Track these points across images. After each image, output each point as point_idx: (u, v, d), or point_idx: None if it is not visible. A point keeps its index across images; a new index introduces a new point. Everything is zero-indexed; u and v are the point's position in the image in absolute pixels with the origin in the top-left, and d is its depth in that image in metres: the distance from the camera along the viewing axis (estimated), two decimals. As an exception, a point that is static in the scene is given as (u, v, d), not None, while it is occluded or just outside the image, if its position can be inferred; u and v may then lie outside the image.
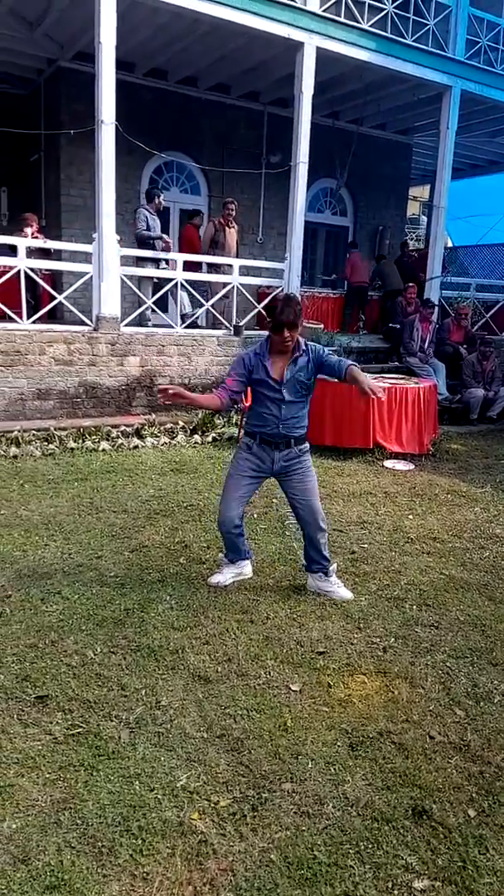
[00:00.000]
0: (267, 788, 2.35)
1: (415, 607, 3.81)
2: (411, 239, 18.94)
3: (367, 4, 9.46)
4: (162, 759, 2.47)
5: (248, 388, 3.71)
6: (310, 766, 2.48)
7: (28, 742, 2.53)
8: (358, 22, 9.37)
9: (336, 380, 3.82)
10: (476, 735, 2.71)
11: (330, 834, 2.18)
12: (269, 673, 3.05)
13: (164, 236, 9.18)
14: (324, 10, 9.03)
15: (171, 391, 3.49)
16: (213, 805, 2.27)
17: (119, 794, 2.29)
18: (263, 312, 9.48)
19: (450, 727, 2.75)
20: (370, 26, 9.47)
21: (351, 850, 2.12)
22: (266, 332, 3.75)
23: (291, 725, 2.69)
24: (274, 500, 5.38)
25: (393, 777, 2.45)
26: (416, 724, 2.75)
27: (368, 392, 3.52)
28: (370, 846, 2.14)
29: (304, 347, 3.61)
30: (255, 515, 5.11)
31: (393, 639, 3.43)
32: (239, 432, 3.79)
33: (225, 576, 3.93)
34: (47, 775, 2.37)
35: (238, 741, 2.58)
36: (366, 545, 4.71)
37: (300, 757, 2.52)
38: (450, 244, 15.42)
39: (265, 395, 3.64)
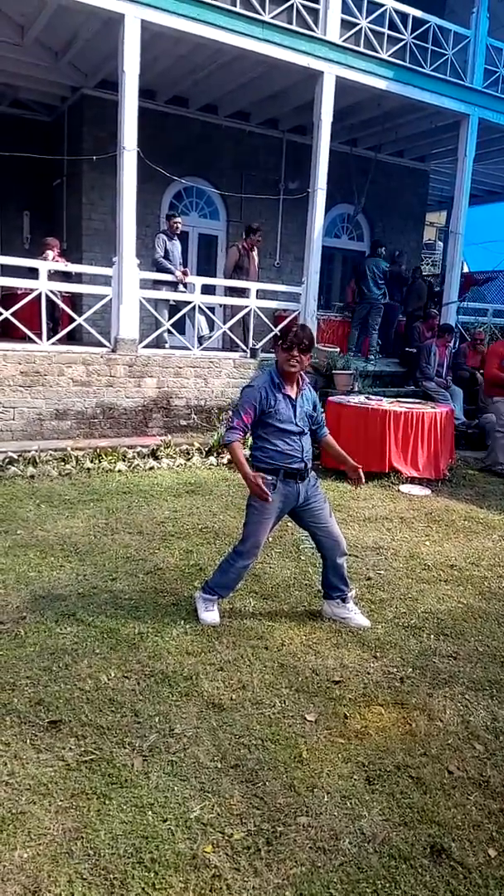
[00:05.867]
0: (282, 822, 2.31)
1: (432, 636, 3.75)
2: (427, 264, 19.06)
3: (385, 35, 9.61)
4: (175, 788, 2.44)
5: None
6: (325, 799, 2.43)
7: (40, 768, 2.50)
8: (377, 52, 9.50)
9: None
10: (496, 771, 2.65)
11: (346, 871, 2.12)
12: (284, 702, 3.01)
13: (178, 271, 8.83)
14: (343, 40, 9.17)
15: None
16: (226, 838, 2.23)
17: (132, 824, 2.26)
18: (279, 334, 9.50)
19: (469, 762, 2.69)
20: (389, 56, 9.60)
21: (368, 889, 2.06)
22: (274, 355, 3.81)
23: (307, 757, 2.65)
24: (289, 524, 5.34)
25: (410, 813, 2.39)
26: (435, 759, 2.69)
27: (354, 467, 3.82)
28: (387, 885, 2.08)
29: (307, 382, 3.74)
30: (270, 539, 5.07)
31: (410, 669, 3.38)
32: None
33: (216, 613, 3.76)
34: (59, 803, 2.34)
35: (252, 772, 2.54)
36: (382, 571, 4.67)
37: (316, 790, 2.47)
38: (466, 269, 15.46)
39: (285, 429, 3.55)
